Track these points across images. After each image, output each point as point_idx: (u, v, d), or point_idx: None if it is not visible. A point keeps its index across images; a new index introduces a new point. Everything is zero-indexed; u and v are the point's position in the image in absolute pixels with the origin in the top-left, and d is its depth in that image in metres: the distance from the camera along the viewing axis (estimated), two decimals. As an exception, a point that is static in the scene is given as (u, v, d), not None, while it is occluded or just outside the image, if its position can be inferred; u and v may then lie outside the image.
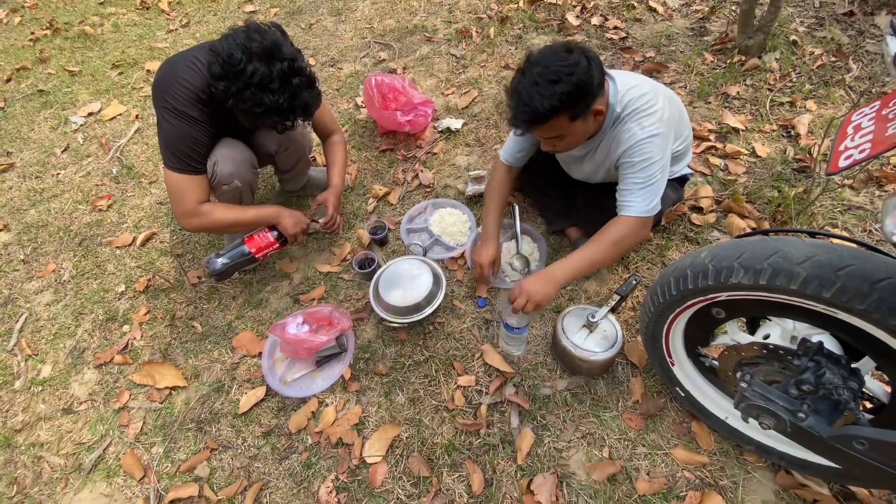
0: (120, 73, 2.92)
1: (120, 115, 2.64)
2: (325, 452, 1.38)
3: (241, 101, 1.28)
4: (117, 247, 2.00)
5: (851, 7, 2.38)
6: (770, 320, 1.10)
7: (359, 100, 2.42)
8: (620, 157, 1.29)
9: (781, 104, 2.04)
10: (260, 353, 1.59)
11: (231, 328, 1.68)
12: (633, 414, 1.34)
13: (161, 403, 1.54)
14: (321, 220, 1.67)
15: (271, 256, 1.68)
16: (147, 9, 3.52)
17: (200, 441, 1.45)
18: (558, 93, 1.11)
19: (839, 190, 1.72)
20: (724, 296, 0.99)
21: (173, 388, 1.57)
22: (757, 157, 1.86)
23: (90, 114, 2.67)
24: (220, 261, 1.55)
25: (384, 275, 1.58)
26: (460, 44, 2.66)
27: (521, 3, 2.83)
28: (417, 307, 1.50)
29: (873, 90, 2.01)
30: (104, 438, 1.49)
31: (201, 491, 1.35)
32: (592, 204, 1.54)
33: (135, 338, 1.70)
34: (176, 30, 3.26)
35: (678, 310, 1.10)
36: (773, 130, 1.95)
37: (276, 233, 1.59)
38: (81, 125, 2.61)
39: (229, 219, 1.48)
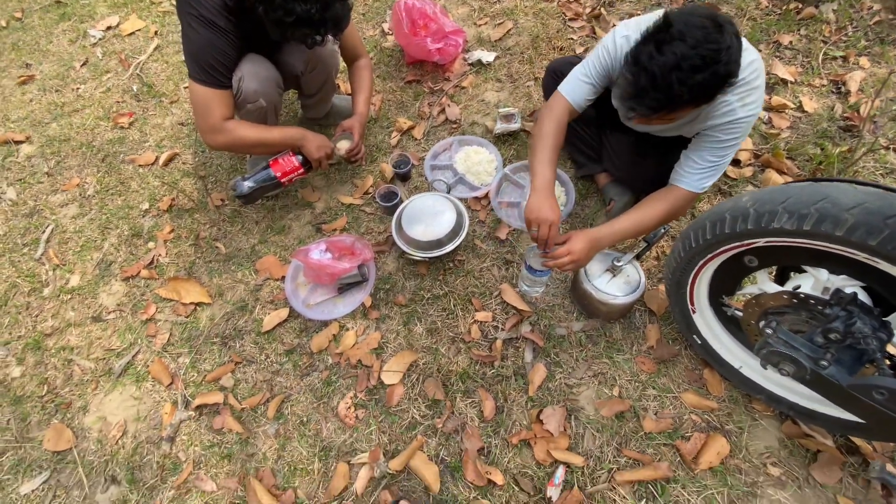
0: (137, -14, 2.79)
1: (139, 30, 2.55)
2: (345, 372, 1.43)
3: (271, 8, 1.22)
4: (140, 165, 1.99)
5: (928, -46, 2.17)
6: (804, 271, 1.09)
7: (385, 26, 2.31)
8: (707, 129, 1.16)
9: (834, 58, 1.91)
10: (283, 277, 1.62)
11: (254, 251, 1.70)
12: (646, 358, 1.37)
13: (187, 318, 1.59)
14: (346, 147, 1.63)
15: (294, 183, 1.67)
16: (163, -84, 3.30)
17: (225, 355, 1.51)
18: (700, 83, 0.93)
19: (883, 152, 1.64)
20: (761, 241, 0.97)
21: (198, 304, 1.61)
22: (803, 111, 1.77)
23: (108, 28, 2.58)
24: (247, 184, 1.54)
25: (407, 209, 1.57)
26: (496, -28, 2.48)
27: (564, -69, 2.61)
28: (439, 243, 1.50)
29: (937, 48, 1.87)
30: (132, 346, 1.56)
31: (226, 399, 1.42)
32: (628, 152, 1.49)
33: (160, 254, 1.73)
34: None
35: (710, 255, 1.09)
36: (823, 85, 1.84)
37: (300, 157, 1.57)
38: (100, 39, 2.53)
39: (253, 137, 1.45)
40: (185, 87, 2.26)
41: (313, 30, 1.26)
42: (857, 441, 1.19)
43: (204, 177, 1.92)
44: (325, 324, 1.52)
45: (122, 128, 2.14)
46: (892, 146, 1.67)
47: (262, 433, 1.37)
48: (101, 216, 1.87)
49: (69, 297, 1.68)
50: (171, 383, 1.48)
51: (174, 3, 1.40)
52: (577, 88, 1.30)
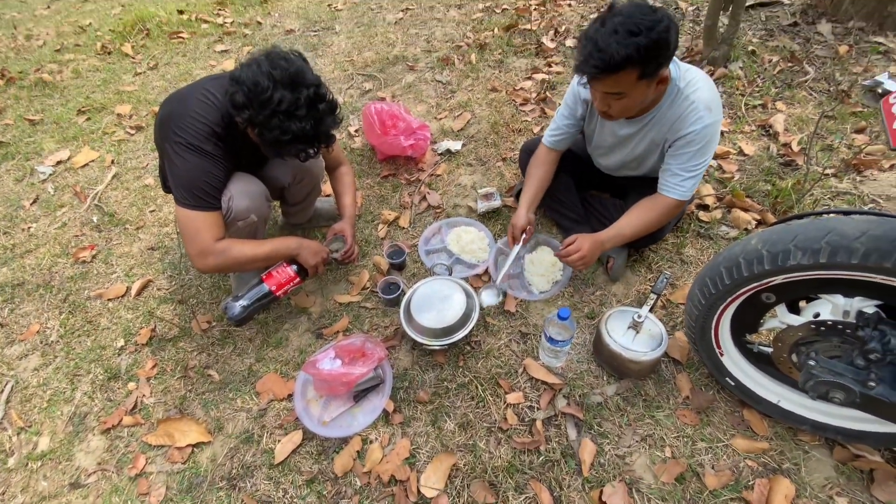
0: (87, 119, 2.78)
1: (93, 161, 2.50)
2: (378, 493, 1.29)
3: (267, 129, 1.24)
4: (109, 299, 1.85)
5: (795, 19, 2.64)
6: (815, 299, 1.15)
7: (351, 129, 2.42)
8: (680, 139, 1.31)
9: (755, 107, 2.20)
10: (289, 396, 1.49)
11: (252, 372, 1.57)
12: (685, 410, 1.35)
13: (184, 464, 1.40)
14: (341, 250, 1.62)
15: (289, 294, 1.60)
16: (109, 53, 3.41)
17: (235, 499, 1.32)
18: (635, 44, 1.09)
19: (823, 179, 1.85)
20: (779, 279, 1.03)
21: (196, 445, 1.43)
22: (745, 155, 1.99)
23: (59, 162, 2.51)
24: (240, 304, 1.46)
25: (414, 297, 1.54)
26: (444, 70, 2.73)
27: (496, 31, 2.96)
28: (454, 327, 1.47)
29: (831, 89, 2.21)
30: (121, 512, 1.33)
31: (246, 554, 1.22)
32: (616, 210, 1.59)
33: (143, 395, 1.55)
34: (144, 72, 3.16)
35: (730, 299, 1.13)
36: (753, 130, 2.10)
37: (295, 266, 1.53)
38: (50, 175, 2.44)
39: (247, 254, 1.40)
40: (151, 211, 2.19)
41: (308, 144, 1.29)
42: (906, 454, 1.21)
43: (184, 300, 1.80)
44: (346, 440, 1.39)
45: (83, 262, 2.00)
46: (827, 172, 1.89)
47: (295, 588, 1.17)
48: (67, 363, 1.67)
49: (39, 464, 1.43)
50: (176, 549, 1.26)
51: (156, 131, 1.40)
52: (550, 128, 1.59)
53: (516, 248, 1.60)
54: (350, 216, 1.67)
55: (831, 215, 1.04)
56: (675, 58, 1.24)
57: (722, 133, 2.09)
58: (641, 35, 1.10)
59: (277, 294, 1.51)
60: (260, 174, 1.55)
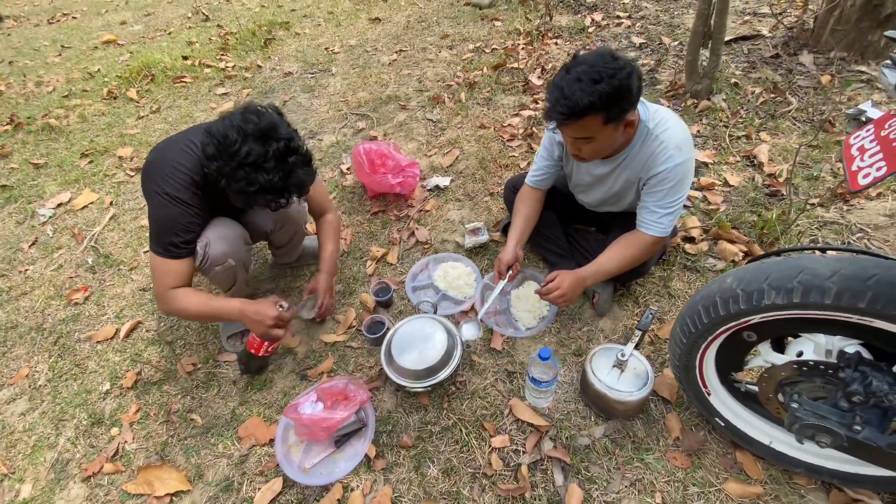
0: (90, 162, 2.86)
1: (92, 203, 2.55)
2: (359, 544, 1.25)
3: (233, 180, 1.25)
4: (98, 341, 1.85)
5: (776, 51, 2.70)
6: (800, 336, 1.12)
7: (343, 167, 2.46)
8: (653, 178, 1.33)
9: (738, 138, 2.23)
10: (271, 441, 1.46)
11: (235, 416, 1.55)
12: (676, 452, 1.30)
13: (162, 514, 1.37)
14: (312, 313, 1.63)
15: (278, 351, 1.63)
16: (114, 98, 3.54)
17: (212, 552, 1.28)
18: (598, 91, 1.13)
19: (810, 209, 1.85)
20: (756, 318, 1.01)
21: (175, 494, 1.40)
22: (730, 186, 1.99)
23: (59, 205, 2.57)
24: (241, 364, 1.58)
25: (395, 338, 1.52)
26: (434, 109, 2.80)
27: (485, 70, 3.05)
28: (436, 368, 1.45)
29: (814, 118, 2.23)
30: (96, 567, 1.30)
31: None
32: (599, 245, 1.59)
33: (126, 441, 1.53)
34: (147, 116, 3.27)
35: (710, 338, 1.11)
36: (738, 161, 2.11)
37: None
38: (50, 217, 2.50)
39: (195, 308, 1.39)
40: (145, 252, 2.22)
41: (277, 195, 1.29)
42: (908, 498, 1.15)
43: (171, 342, 1.80)
44: (326, 488, 1.36)
45: (76, 304, 2.02)
46: (813, 202, 1.88)
47: None
48: (54, 408, 1.66)
49: (16, 515, 1.41)
50: None
51: (142, 177, 1.43)
52: (532, 170, 1.63)
53: (501, 284, 1.59)
54: (327, 270, 1.64)
55: (806, 252, 1.04)
56: (643, 100, 1.27)
57: (707, 164, 2.11)
58: (603, 82, 1.14)
59: (260, 355, 1.52)
60: (243, 220, 1.57)
